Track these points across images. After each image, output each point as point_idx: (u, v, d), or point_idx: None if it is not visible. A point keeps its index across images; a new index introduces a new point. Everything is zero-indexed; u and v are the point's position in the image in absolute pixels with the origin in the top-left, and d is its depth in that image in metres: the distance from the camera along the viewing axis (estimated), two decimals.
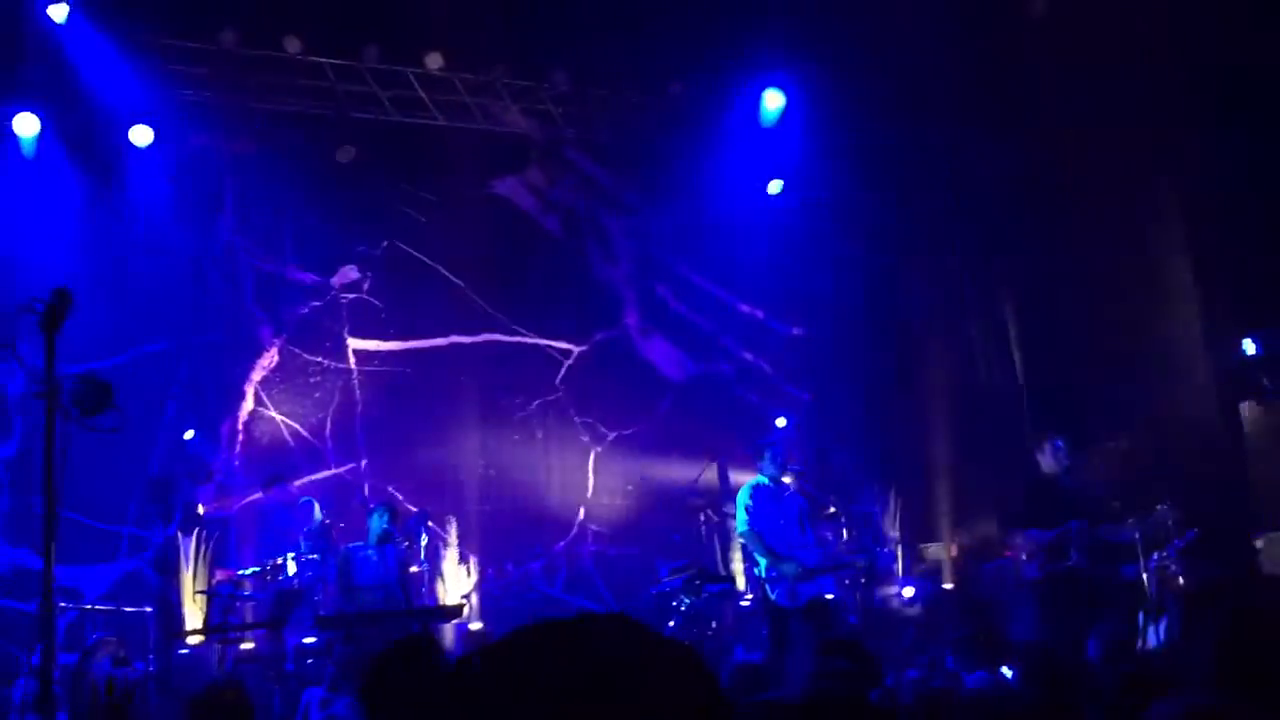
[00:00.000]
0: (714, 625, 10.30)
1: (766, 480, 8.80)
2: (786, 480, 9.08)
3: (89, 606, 9.64)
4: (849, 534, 10.99)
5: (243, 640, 8.92)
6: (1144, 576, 8.89)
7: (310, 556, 9.50)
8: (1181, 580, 8.83)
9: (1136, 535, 8.79)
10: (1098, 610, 7.90)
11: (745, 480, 9.20)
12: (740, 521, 8.74)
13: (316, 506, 10.18)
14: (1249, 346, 11.07)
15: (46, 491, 4.43)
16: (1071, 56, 10.47)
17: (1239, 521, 10.10)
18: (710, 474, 12.26)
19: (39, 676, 4.32)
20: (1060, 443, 8.87)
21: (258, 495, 10.73)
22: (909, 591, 11.46)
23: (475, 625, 11.15)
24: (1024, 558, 8.83)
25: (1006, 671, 6.31)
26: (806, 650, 7.22)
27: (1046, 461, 8.90)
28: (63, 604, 9.17)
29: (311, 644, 8.87)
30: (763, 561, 8.56)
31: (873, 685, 4.39)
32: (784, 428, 12.49)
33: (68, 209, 10.54)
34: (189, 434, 10.80)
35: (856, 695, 3.56)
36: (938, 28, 10.69)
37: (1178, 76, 10.10)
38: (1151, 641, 8.31)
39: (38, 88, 10.25)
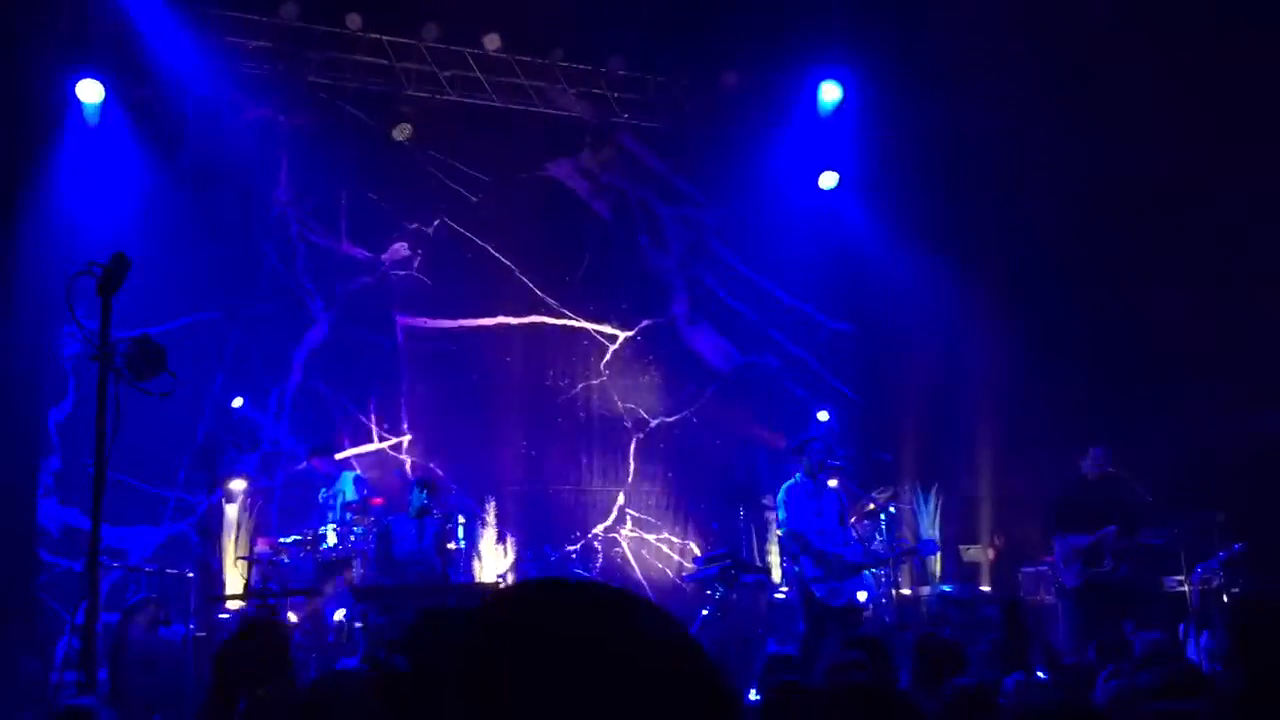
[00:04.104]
0: (747, 615, 10.29)
1: (806, 477, 8.76)
2: (827, 477, 9.05)
3: (133, 567, 9.82)
4: (889, 532, 10.93)
5: (281, 607, 9.03)
6: (1186, 587, 8.80)
7: (352, 529, 9.61)
8: (1225, 594, 8.72)
9: (1180, 545, 8.70)
10: (1137, 618, 7.83)
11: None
12: (781, 520, 8.74)
13: (353, 479, 10.31)
14: None
15: (98, 453, 4.51)
16: (1142, 61, 10.30)
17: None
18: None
19: (82, 634, 4.41)
20: (1100, 450, 8.81)
21: (303, 465, 10.87)
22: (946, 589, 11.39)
23: None
24: (1061, 564, 8.77)
25: (1040, 675, 6.27)
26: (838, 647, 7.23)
27: (1088, 467, 8.84)
28: (109, 563, 9.34)
29: (347, 615, 8.97)
30: (805, 560, 8.53)
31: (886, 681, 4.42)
32: (826, 422, 12.45)
33: (127, 176, 10.68)
34: (238, 401, 10.93)
35: (875, 685, 3.59)
36: (998, 18, 10.56)
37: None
38: (1191, 654, 8.21)
39: (102, 55, 10.38)
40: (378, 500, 10.40)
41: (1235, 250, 10.34)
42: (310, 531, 9.77)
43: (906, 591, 11.22)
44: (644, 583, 12.23)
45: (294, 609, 9.21)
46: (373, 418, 11.79)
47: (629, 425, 12.68)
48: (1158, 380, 10.87)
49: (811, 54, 12.29)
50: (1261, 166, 10.12)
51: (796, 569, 8.80)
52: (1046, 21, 10.81)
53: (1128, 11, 10.27)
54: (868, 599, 9.35)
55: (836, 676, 4.07)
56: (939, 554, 11.85)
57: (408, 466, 11.62)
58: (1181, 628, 8.71)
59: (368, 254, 11.94)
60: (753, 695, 6.32)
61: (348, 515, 9.81)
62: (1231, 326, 10.51)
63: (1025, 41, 10.87)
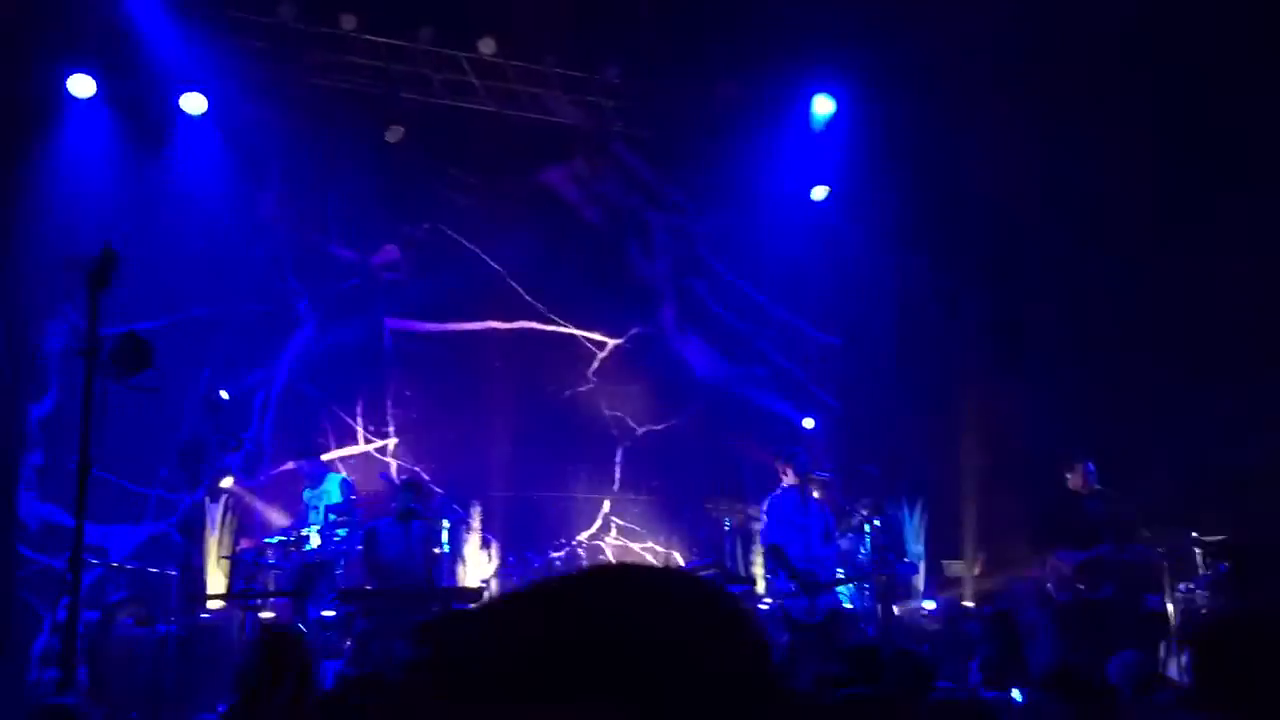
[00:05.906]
0: None
1: (792, 488, 8.72)
2: (812, 488, 9.03)
3: (114, 565, 9.74)
4: (872, 546, 10.92)
5: (263, 608, 8.98)
6: (1169, 606, 8.81)
7: (335, 531, 9.55)
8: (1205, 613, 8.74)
9: (1164, 563, 8.72)
10: (1120, 637, 7.83)
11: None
12: (762, 533, 8.70)
13: (338, 481, 10.25)
14: None
15: (81, 449, 4.47)
16: (1130, 73, 10.33)
17: (1272, 557, 9.97)
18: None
19: (62, 632, 4.37)
20: (1091, 465, 8.82)
21: (288, 465, 10.81)
22: (929, 605, 11.39)
23: None
24: (1054, 579, 8.76)
25: (1016, 694, 6.26)
26: (820, 660, 7.21)
27: (1075, 483, 8.85)
28: (90, 561, 9.26)
29: (331, 617, 8.92)
30: (781, 574, 8.50)
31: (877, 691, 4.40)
32: (812, 433, 12.44)
33: (117, 172, 10.63)
34: (224, 394, 10.83)
35: (863, 695, 3.57)
36: (991, 32, 10.59)
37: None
38: (1173, 673, 8.22)
39: (94, 50, 10.34)
40: (362, 503, 10.35)
41: (1232, 263, 10.35)
42: (294, 532, 9.71)
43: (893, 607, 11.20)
44: None
45: (275, 610, 9.16)
46: (359, 420, 11.75)
47: (616, 433, 12.66)
48: (1147, 396, 10.88)
49: (806, 67, 12.30)
50: (1256, 179, 10.16)
51: (777, 583, 8.78)
52: (1041, 36, 10.84)
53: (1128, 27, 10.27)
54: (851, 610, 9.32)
55: (824, 688, 4.05)
56: (923, 568, 11.84)
57: (393, 469, 11.58)
58: (1163, 646, 8.72)
59: (357, 255, 11.90)
60: None
61: (331, 517, 9.75)
62: (1227, 342, 10.50)
63: (1020, 56, 10.90)
